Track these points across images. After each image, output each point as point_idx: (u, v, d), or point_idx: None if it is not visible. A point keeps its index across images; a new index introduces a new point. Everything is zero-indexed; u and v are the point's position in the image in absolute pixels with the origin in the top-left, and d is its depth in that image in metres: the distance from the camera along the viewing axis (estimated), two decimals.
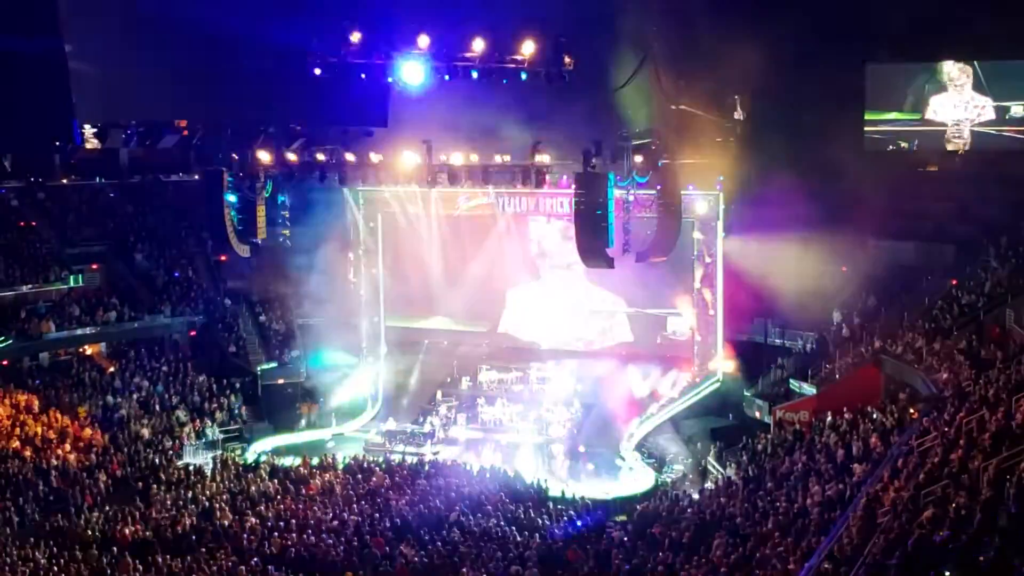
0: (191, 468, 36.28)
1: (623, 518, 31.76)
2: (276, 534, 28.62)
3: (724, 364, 41.75)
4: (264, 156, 36.76)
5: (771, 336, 42.62)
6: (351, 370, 46.33)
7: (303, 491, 33.35)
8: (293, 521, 29.74)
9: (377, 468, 35.80)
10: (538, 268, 45.75)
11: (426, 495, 32.10)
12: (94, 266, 47.03)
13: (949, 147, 41.94)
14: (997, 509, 16.46)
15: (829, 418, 31.98)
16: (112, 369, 43.36)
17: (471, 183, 38.72)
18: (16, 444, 35.63)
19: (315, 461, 37.31)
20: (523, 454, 40.02)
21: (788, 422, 34.97)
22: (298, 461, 37.57)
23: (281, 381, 45.50)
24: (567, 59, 30.99)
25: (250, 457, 39.32)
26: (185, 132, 36.86)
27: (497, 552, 26.87)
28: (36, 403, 38.77)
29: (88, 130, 36.37)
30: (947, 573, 14.61)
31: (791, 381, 38.50)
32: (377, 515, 30.04)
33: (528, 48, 31.00)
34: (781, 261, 38.53)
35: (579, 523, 30.09)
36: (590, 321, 45.29)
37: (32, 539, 28.79)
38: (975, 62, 41.28)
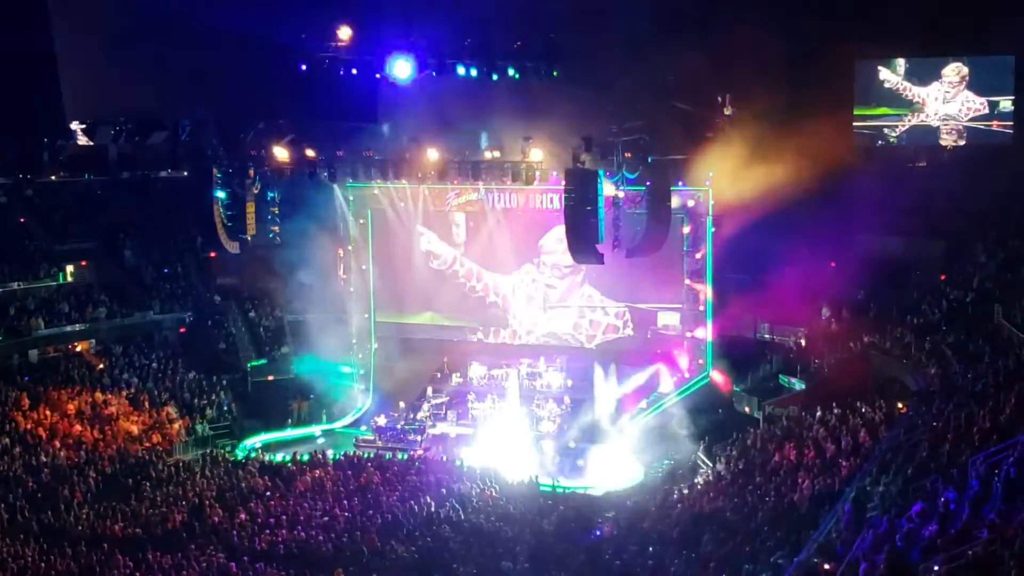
0: (181, 465, 36.21)
1: (613, 513, 31.83)
2: (266, 530, 28.63)
3: (713, 359, 41.82)
4: (254, 152, 36.75)
5: (761, 331, 42.69)
6: (341, 366, 46.27)
7: (293, 487, 33.33)
8: (283, 517, 29.74)
9: (367, 464, 35.80)
10: (527, 264, 45.69)
11: (416, 491, 32.12)
12: (83, 263, 46.93)
13: (942, 142, 42.01)
14: (986, 503, 16.53)
15: (818, 413, 32.08)
16: (101, 366, 43.26)
17: (461, 179, 38.72)
18: (6, 441, 35.59)
19: (305, 457, 37.32)
20: (513, 449, 40.06)
21: (777, 417, 35.07)
22: (288, 457, 37.57)
23: (271, 378, 45.49)
24: (557, 56, 31.02)
25: (240, 453, 39.27)
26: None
27: (487, 547, 26.91)
28: (26, 400, 38.68)
29: (77, 126, 36.39)
30: (936, 567, 14.67)
31: (780, 376, 38.61)
32: (367, 511, 30.04)
33: (518, 45, 30.99)
34: (770, 256, 38.59)
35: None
36: (581, 317, 45.29)
37: (22, 536, 28.73)
38: (965, 57, 41.37)
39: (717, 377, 41.34)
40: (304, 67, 31.71)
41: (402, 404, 43.82)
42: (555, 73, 31.27)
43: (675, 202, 37.19)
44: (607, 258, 33.85)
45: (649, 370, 42.65)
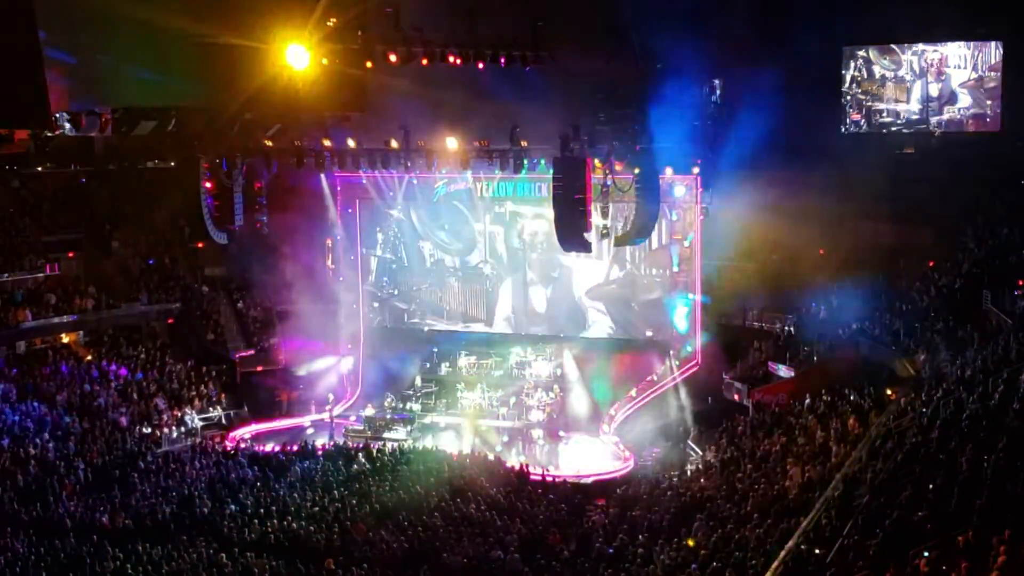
0: (170, 456, 36.15)
1: (603, 501, 31.86)
2: (256, 521, 28.56)
3: (703, 346, 41.84)
4: (241, 142, 36.57)
5: (749, 319, 42.72)
6: (330, 357, 46.20)
7: (283, 478, 33.27)
8: (273, 508, 29.68)
9: (357, 454, 35.75)
10: (514, 253, 45.65)
11: (406, 480, 32.07)
12: (70, 254, 46.72)
13: (930, 129, 42.03)
14: (975, 489, 16.56)
15: (807, 400, 32.12)
16: (89, 357, 43.13)
17: (449, 168, 38.63)
18: None
19: (295, 448, 37.26)
20: (503, 439, 40.07)
21: (767, 404, 35.10)
22: (278, 448, 37.51)
23: (260, 368, 45.40)
24: (545, 42, 30.86)
25: (229, 444, 39.19)
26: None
27: (478, 536, 26.90)
28: (14, 393, 38.53)
29: (63, 117, 36.01)
30: (926, 553, 14.69)
31: (769, 363, 38.64)
32: (357, 501, 30.00)
33: (506, 31, 30.81)
34: (759, 244, 38.57)
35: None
36: (570, 306, 45.28)
37: (11, 529, 28.63)
38: (953, 43, 41.36)
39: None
40: (292, 56, 31.44)
41: (391, 394, 43.73)
42: (544, 60, 31.07)
43: (663, 189, 37.09)
44: (595, 246, 33.79)
45: (638, 358, 42.67)
